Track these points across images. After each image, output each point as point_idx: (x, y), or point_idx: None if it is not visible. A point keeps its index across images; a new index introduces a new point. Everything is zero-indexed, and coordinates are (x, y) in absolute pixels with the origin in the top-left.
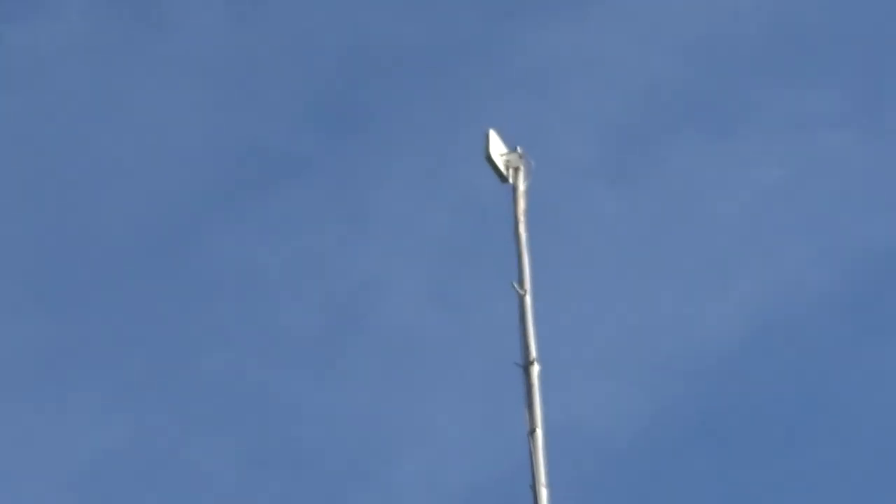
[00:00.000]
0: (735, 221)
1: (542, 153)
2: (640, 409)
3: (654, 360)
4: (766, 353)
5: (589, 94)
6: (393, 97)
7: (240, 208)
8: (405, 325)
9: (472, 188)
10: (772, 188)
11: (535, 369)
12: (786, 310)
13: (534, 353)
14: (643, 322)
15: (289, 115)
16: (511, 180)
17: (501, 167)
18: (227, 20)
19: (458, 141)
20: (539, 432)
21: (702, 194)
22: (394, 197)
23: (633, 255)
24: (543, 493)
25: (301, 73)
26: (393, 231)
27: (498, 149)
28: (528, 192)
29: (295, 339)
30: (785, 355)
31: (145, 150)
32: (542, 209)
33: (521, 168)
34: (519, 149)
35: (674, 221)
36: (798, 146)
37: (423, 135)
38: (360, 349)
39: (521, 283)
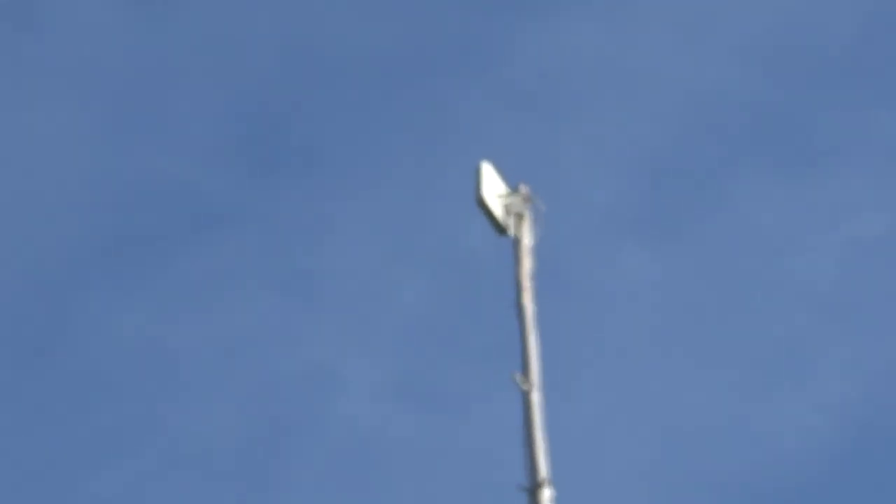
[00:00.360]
0: (817, 289)
1: (551, 195)
2: None
3: (700, 481)
4: (860, 471)
5: (614, 115)
6: (348, 120)
7: (136, 271)
8: (364, 429)
9: (456, 243)
10: (870, 242)
11: (546, 494)
12: (886, 410)
13: (543, 471)
14: (687, 429)
15: (207, 144)
16: (512, 231)
17: (499, 213)
18: (127, 21)
19: (437, 178)
20: None
21: (770, 252)
22: (349, 255)
23: (672, 335)
24: None
25: (226, 89)
26: (349, 303)
27: (494, 188)
28: (536, 248)
29: (214, 450)
30: (887, 474)
31: (7, 189)
32: (552, 272)
33: (526, 215)
34: (523, 188)
35: (728, 289)
36: None
37: (391, 171)
38: (301, 463)
39: (525, 374)
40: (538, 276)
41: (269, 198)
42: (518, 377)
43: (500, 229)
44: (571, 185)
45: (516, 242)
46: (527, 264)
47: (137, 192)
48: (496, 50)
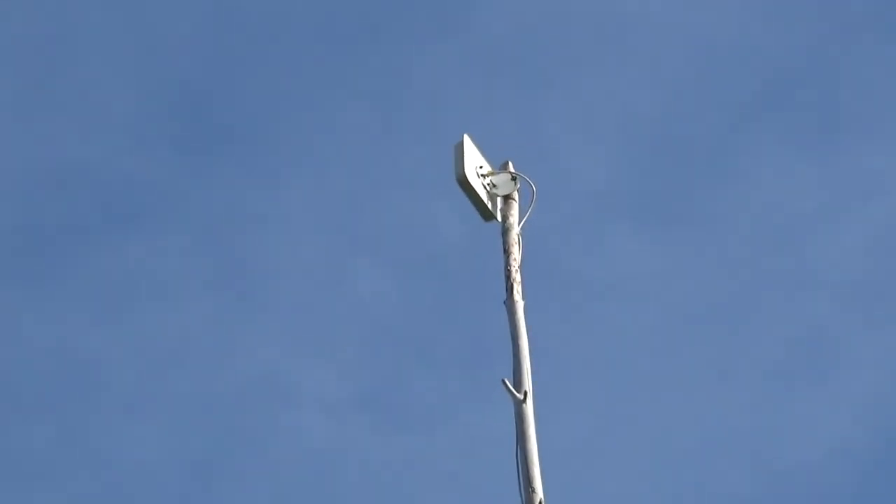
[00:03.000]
0: (842, 277)
1: (532, 175)
2: None
3: (712, 498)
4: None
5: (603, 79)
6: (290, 91)
7: (45, 269)
8: (318, 447)
9: (422, 231)
10: None
11: None
12: None
13: (539, 492)
14: (695, 439)
15: (123, 122)
16: (499, 216)
17: (483, 195)
18: None
19: (397, 156)
20: None
21: (787, 236)
22: (295, 247)
23: (675, 332)
24: None
25: (144, 59)
26: (295, 301)
27: (476, 165)
28: (524, 234)
29: (144, 475)
30: None
31: None
32: (536, 263)
33: (516, 196)
34: (511, 165)
35: (739, 279)
36: None
37: (342, 148)
38: (245, 487)
39: (517, 381)
40: (527, 267)
41: (198, 183)
42: (509, 384)
43: (486, 214)
44: (555, 162)
45: (505, 229)
46: (516, 254)
47: (44, 179)
48: (461, 6)
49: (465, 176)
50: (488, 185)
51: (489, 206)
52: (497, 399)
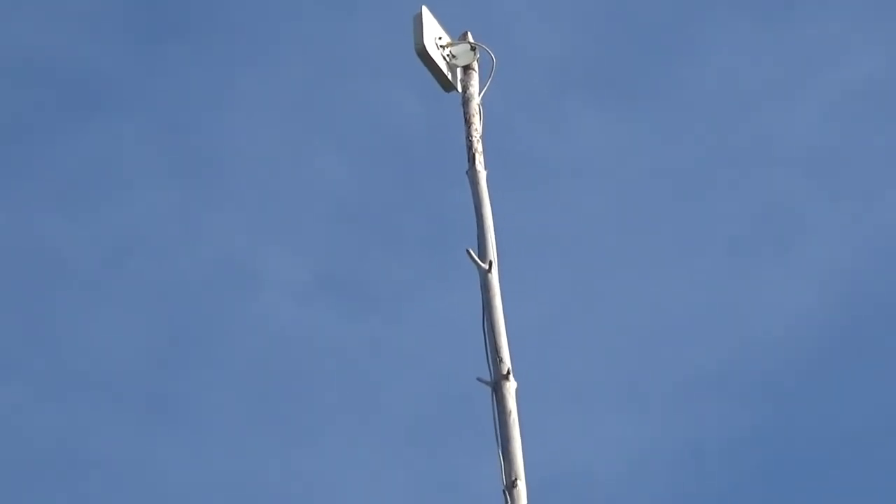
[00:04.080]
0: (801, 146)
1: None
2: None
3: (678, 372)
4: (859, 349)
5: None
6: None
7: (3, 162)
8: (286, 332)
9: (380, 109)
10: (859, 89)
11: (511, 387)
12: (884, 278)
13: (507, 362)
14: (658, 315)
15: (77, 8)
16: (459, 87)
17: (443, 65)
18: None
19: (352, 34)
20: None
21: (745, 107)
22: (254, 131)
23: (636, 208)
24: None
25: None
26: (257, 187)
27: (435, 36)
28: (484, 104)
29: (109, 366)
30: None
31: None
32: (491, 139)
33: (475, 66)
34: (470, 36)
35: (699, 152)
36: None
37: (296, 29)
38: (212, 375)
39: (482, 251)
40: (488, 140)
41: (156, 71)
42: (474, 254)
43: (446, 84)
44: (511, 37)
45: (466, 100)
46: (477, 124)
47: (0, 70)
48: None
49: (424, 47)
50: (448, 55)
51: (449, 76)
52: (463, 272)
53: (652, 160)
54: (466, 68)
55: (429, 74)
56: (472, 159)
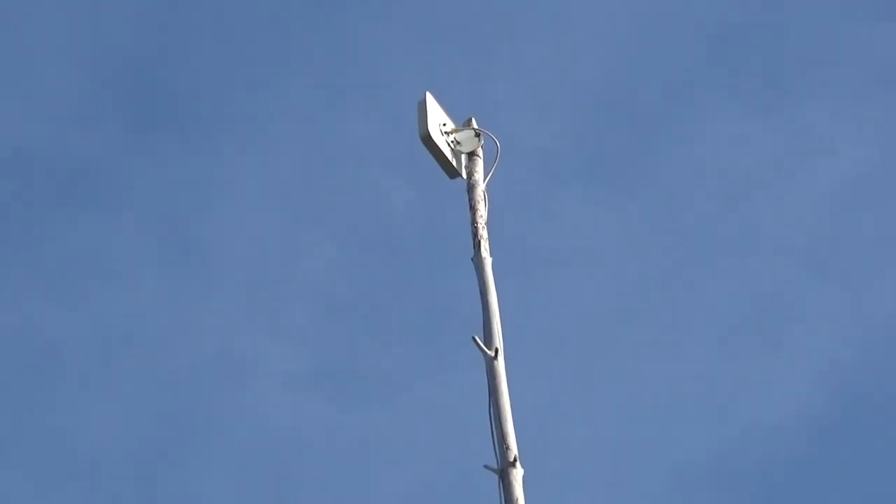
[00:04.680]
0: (792, 237)
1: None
2: None
3: (674, 460)
4: (853, 440)
5: (547, 38)
6: (233, 63)
7: None
8: (278, 424)
9: (370, 199)
10: (851, 181)
11: (518, 474)
12: (879, 369)
13: (514, 449)
14: (653, 402)
15: (68, 98)
16: (464, 173)
17: (447, 152)
18: None
19: (344, 124)
20: None
21: (736, 197)
22: (245, 220)
23: (630, 297)
24: None
25: (87, 31)
26: (248, 276)
27: (440, 122)
28: (488, 190)
29: (100, 458)
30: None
31: None
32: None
33: (480, 153)
34: (474, 122)
35: (690, 242)
36: None
37: (288, 119)
38: (204, 467)
39: (488, 338)
40: (493, 224)
41: (147, 160)
42: (480, 341)
43: (451, 171)
44: (500, 126)
45: (471, 186)
46: (482, 210)
47: None
48: None
49: (428, 133)
50: (452, 142)
51: (454, 163)
52: (458, 360)
53: (643, 248)
54: (471, 155)
55: (423, 161)
56: (477, 246)
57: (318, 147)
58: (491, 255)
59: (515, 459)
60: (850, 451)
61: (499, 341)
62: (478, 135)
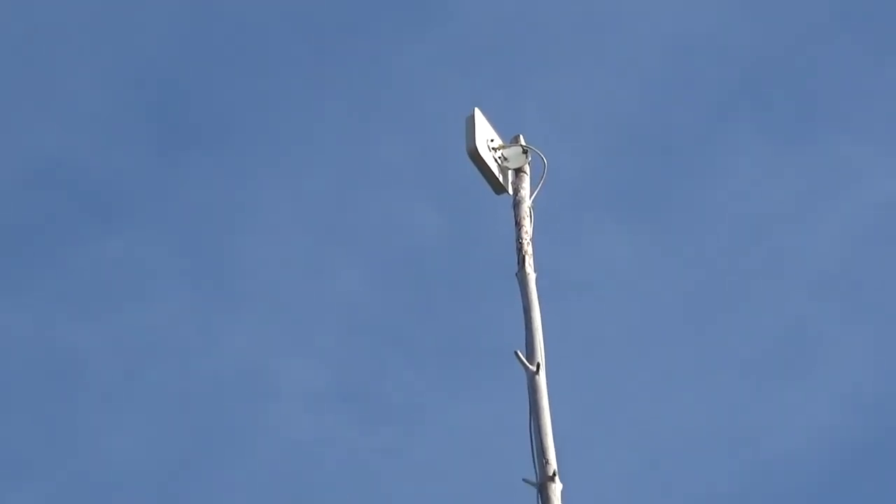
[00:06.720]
0: (822, 268)
1: None
2: None
3: (700, 490)
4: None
5: (578, 70)
6: (267, 87)
7: (27, 266)
8: (303, 442)
9: (399, 221)
10: (880, 213)
11: (557, 489)
12: None
13: (553, 463)
14: (680, 430)
15: (101, 118)
16: (510, 189)
17: (494, 168)
18: None
19: (374, 149)
20: None
21: (766, 228)
22: (273, 241)
23: (658, 325)
24: None
25: (121, 52)
26: (275, 295)
27: (487, 138)
28: (535, 206)
29: (127, 470)
30: None
31: None
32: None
33: (527, 169)
34: (522, 138)
35: (720, 272)
36: None
37: (319, 143)
38: (228, 483)
39: (530, 353)
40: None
41: (177, 179)
42: (522, 356)
43: (497, 187)
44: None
45: (517, 202)
46: (528, 226)
47: (23, 176)
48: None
49: (476, 148)
50: (499, 158)
51: (500, 178)
52: (487, 378)
53: (672, 278)
54: (518, 171)
55: (452, 184)
56: (521, 261)
57: (349, 169)
58: (537, 271)
59: (555, 474)
60: (875, 481)
61: (541, 356)
62: (525, 151)
